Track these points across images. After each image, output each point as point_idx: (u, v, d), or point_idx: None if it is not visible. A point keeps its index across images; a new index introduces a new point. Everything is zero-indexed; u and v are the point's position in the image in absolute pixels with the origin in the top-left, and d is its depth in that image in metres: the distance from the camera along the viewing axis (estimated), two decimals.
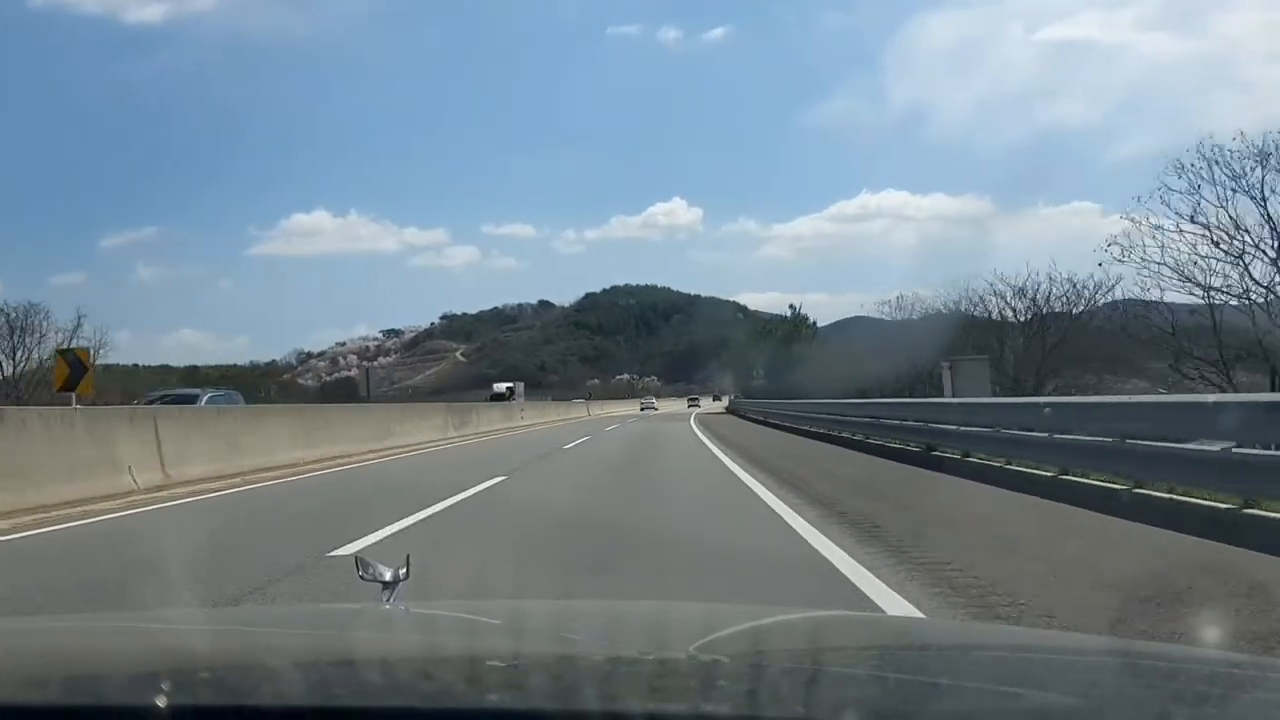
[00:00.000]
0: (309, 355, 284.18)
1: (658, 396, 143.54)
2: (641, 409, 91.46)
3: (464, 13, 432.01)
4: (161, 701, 0.99)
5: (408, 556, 1.94)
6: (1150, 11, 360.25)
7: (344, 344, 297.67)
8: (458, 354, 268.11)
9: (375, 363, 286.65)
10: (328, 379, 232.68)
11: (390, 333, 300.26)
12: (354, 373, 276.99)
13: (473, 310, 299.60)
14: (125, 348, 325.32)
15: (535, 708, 1.07)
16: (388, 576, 1.84)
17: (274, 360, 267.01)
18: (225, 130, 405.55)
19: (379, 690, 1.16)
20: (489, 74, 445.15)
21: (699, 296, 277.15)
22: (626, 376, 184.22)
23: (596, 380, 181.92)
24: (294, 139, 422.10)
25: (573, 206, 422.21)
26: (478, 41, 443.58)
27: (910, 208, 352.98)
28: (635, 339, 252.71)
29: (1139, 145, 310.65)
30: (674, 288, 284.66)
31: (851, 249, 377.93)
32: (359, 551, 2.98)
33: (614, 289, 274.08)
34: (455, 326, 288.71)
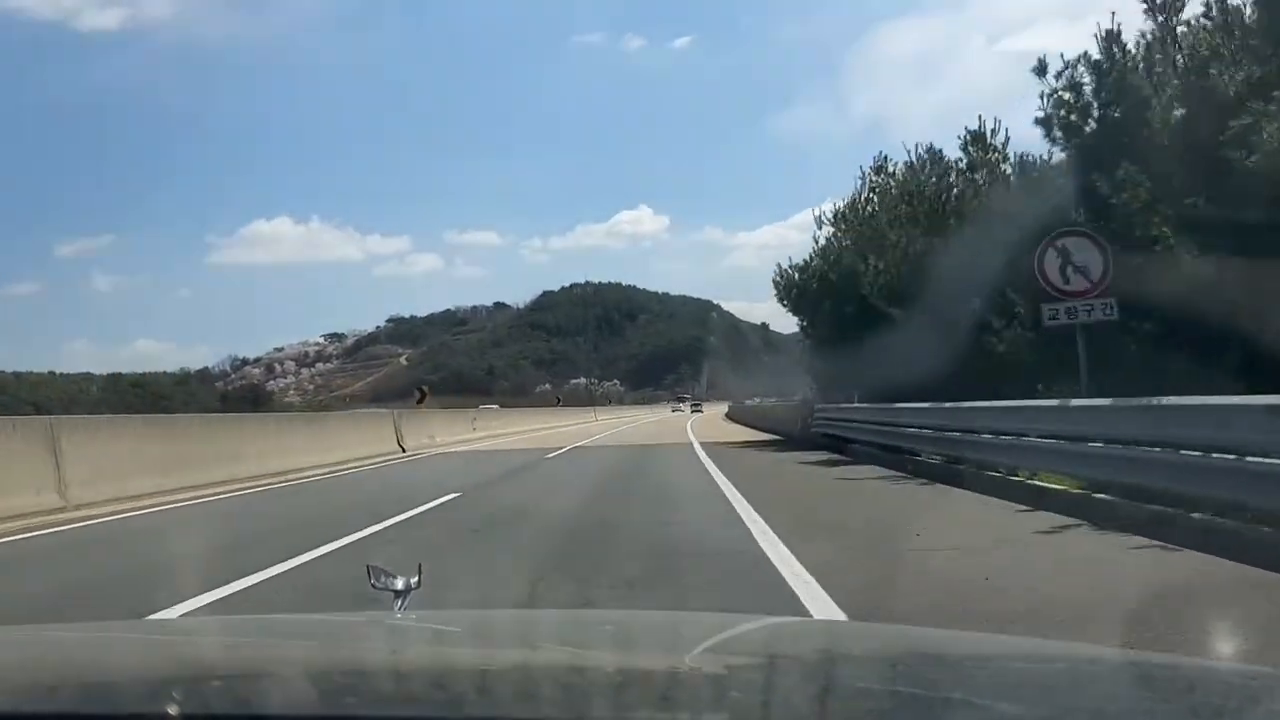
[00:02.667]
0: (244, 361, 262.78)
1: (620, 404, 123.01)
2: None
3: (427, 20, 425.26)
4: (174, 710, 0.99)
5: (419, 565, 1.91)
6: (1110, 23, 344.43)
7: (281, 349, 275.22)
8: (401, 359, 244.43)
9: (315, 368, 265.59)
10: (256, 385, 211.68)
11: (333, 337, 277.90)
12: (290, 380, 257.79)
13: (423, 313, 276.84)
14: (82, 357, 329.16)
15: (547, 718, 1.08)
16: (399, 585, 1.83)
17: (206, 367, 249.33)
18: (184, 137, 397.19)
19: (391, 700, 1.16)
20: (453, 81, 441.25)
21: (668, 295, 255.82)
22: (583, 381, 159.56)
23: (549, 385, 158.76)
24: (255, 145, 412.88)
25: (538, 214, 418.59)
26: (441, 49, 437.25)
27: None
28: (597, 341, 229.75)
29: None
30: (640, 285, 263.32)
31: None
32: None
33: (574, 286, 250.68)
34: (402, 330, 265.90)
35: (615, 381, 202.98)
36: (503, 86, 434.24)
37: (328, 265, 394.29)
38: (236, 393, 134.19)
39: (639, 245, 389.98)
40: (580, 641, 1.64)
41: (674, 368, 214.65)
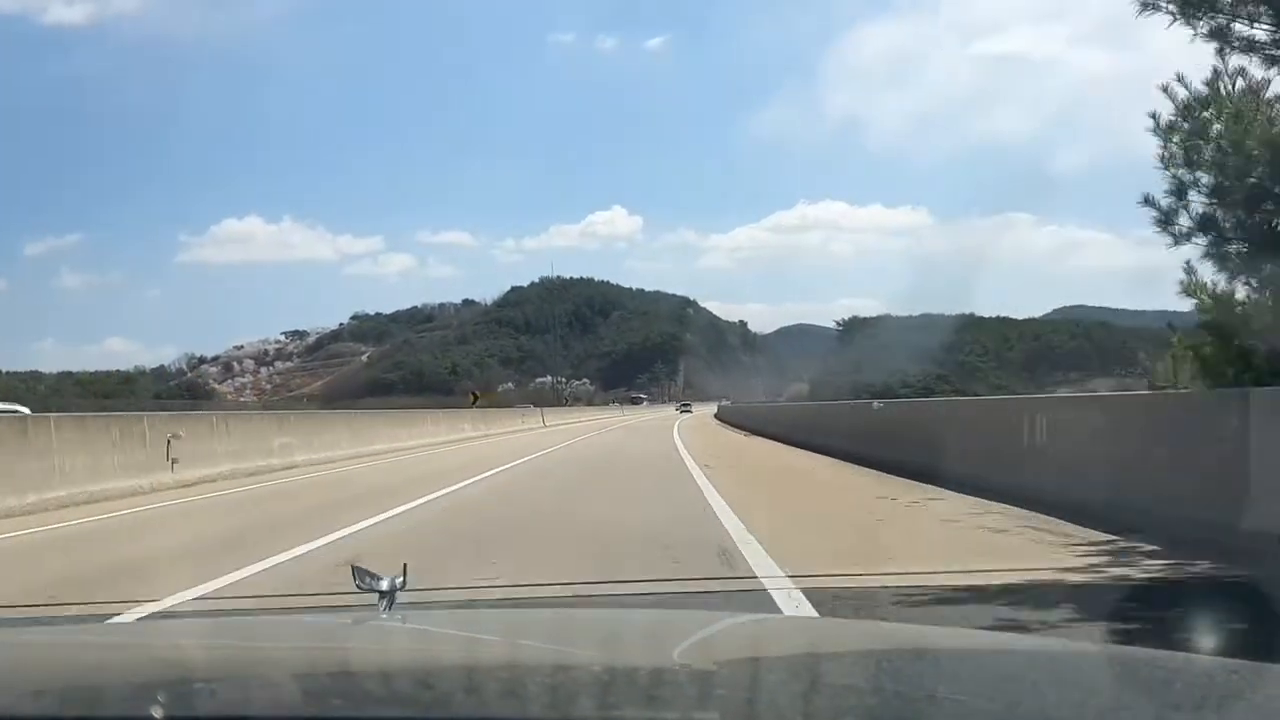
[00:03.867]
0: (200, 360, 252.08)
1: (589, 404, 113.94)
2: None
3: (400, 18, 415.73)
4: (158, 713, 0.98)
5: (404, 565, 1.95)
6: (1083, 26, 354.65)
7: (241, 347, 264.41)
8: (363, 358, 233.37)
9: (274, 366, 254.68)
10: (195, 382, 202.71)
11: (294, 334, 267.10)
12: (247, 379, 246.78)
13: (388, 310, 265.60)
14: (50, 356, 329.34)
15: (533, 717, 1.08)
16: (384, 585, 1.87)
17: (162, 365, 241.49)
18: (154, 134, 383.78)
19: (377, 700, 1.16)
20: (426, 80, 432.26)
21: (642, 291, 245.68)
22: (549, 379, 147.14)
23: (512, 385, 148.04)
24: (226, 143, 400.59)
25: (511, 214, 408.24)
26: (413, 48, 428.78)
27: (848, 219, 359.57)
28: (568, 338, 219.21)
29: (1073, 157, 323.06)
30: (613, 281, 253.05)
31: (790, 259, 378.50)
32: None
33: (544, 281, 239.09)
34: (366, 327, 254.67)
35: (585, 380, 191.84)
36: (475, 86, 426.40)
37: (299, 264, 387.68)
38: (171, 392, 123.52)
39: (613, 246, 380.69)
40: (566, 640, 1.63)
41: (648, 366, 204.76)
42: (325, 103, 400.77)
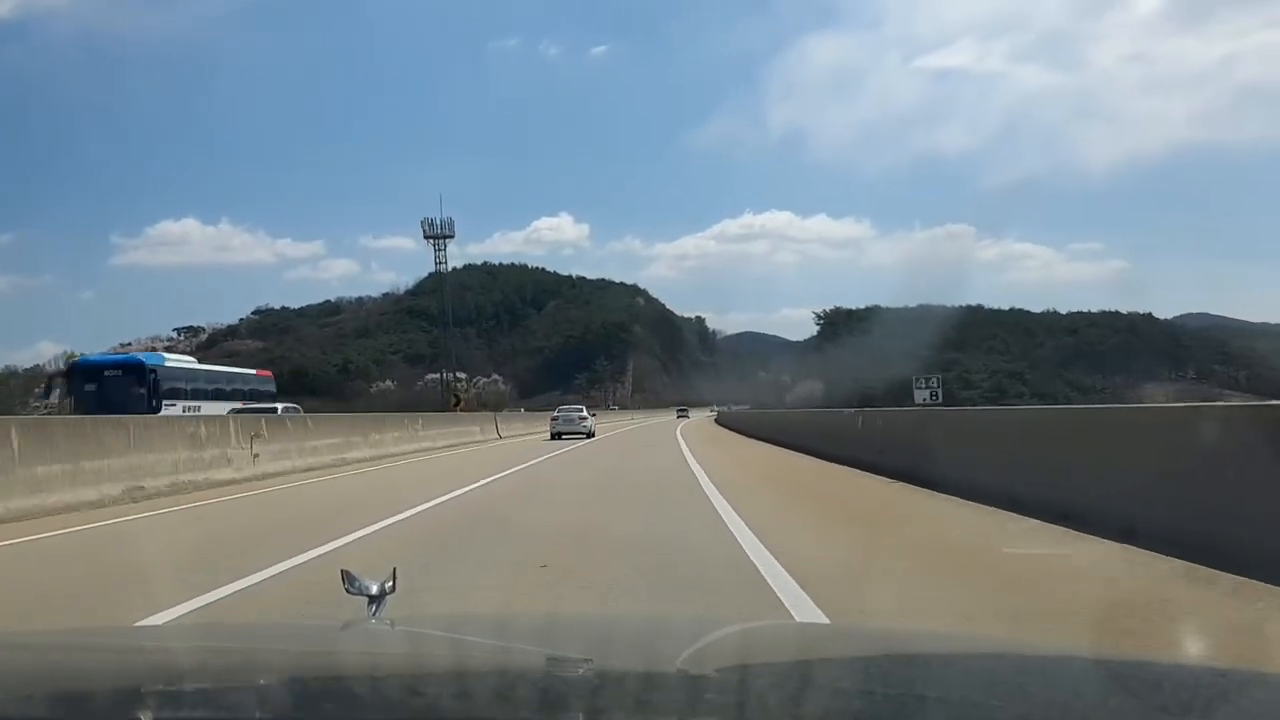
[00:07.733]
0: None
1: (507, 408, 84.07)
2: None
3: (342, 23, 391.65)
4: (146, 717, 0.99)
5: (394, 570, 1.94)
6: (1024, 44, 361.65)
7: (129, 344, 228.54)
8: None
9: None
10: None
11: (188, 330, 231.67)
12: None
13: (296, 304, 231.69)
14: None
15: None
16: (374, 590, 1.86)
17: (38, 365, 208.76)
18: (88, 133, 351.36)
19: (366, 705, 1.17)
20: (367, 84, 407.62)
21: (584, 279, 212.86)
22: (439, 375, 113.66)
23: (392, 384, 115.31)
24: (162, 144, 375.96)
25: (457, 220, 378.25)
26: (356, 53, 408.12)
27: (794, 228, 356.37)
28: (494, 332, 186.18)
29: (1012, 171, 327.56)
30: (548, 268, 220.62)
31: (735, 268, 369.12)
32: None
33: (470, 267, 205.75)
34: (268, 323, 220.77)
35: (498, 377, 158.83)
36: (419, 91, 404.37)
37: (237, 267, 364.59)
38: None
39: (559, 253, 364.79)
40: (556, 645, 1.62)
41: (589, 363, 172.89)
42: (267, 105, 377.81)
